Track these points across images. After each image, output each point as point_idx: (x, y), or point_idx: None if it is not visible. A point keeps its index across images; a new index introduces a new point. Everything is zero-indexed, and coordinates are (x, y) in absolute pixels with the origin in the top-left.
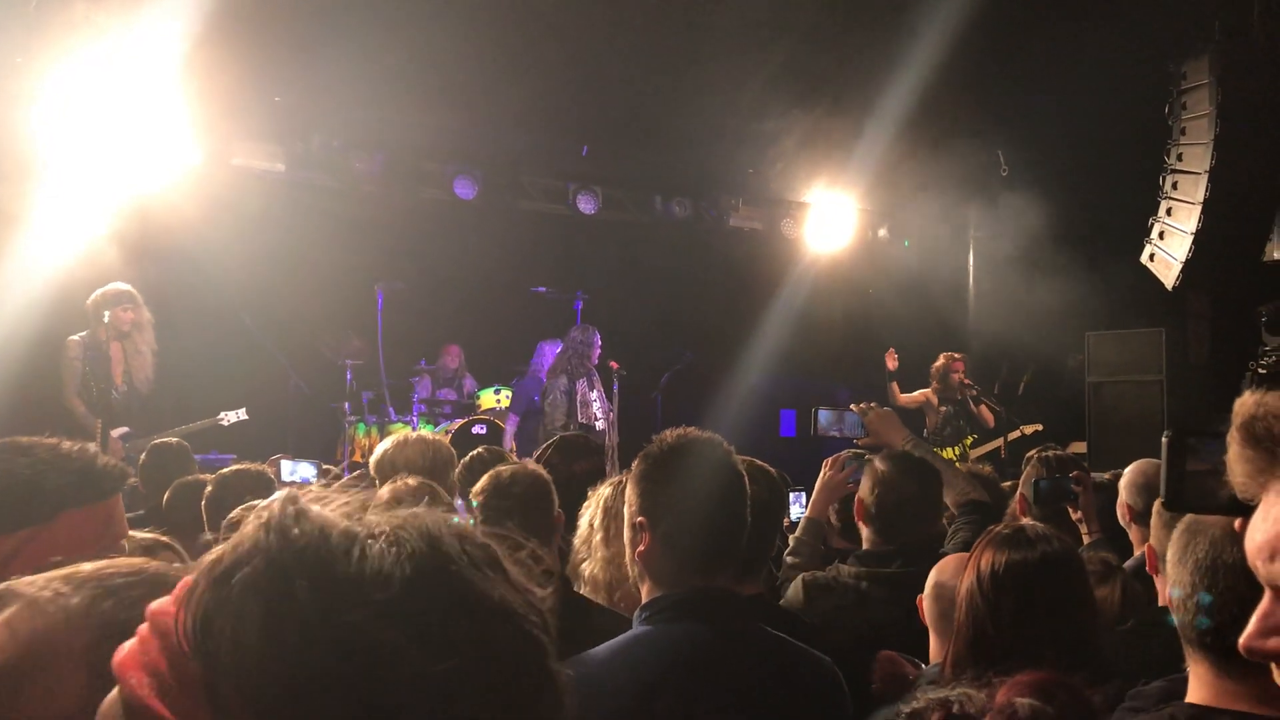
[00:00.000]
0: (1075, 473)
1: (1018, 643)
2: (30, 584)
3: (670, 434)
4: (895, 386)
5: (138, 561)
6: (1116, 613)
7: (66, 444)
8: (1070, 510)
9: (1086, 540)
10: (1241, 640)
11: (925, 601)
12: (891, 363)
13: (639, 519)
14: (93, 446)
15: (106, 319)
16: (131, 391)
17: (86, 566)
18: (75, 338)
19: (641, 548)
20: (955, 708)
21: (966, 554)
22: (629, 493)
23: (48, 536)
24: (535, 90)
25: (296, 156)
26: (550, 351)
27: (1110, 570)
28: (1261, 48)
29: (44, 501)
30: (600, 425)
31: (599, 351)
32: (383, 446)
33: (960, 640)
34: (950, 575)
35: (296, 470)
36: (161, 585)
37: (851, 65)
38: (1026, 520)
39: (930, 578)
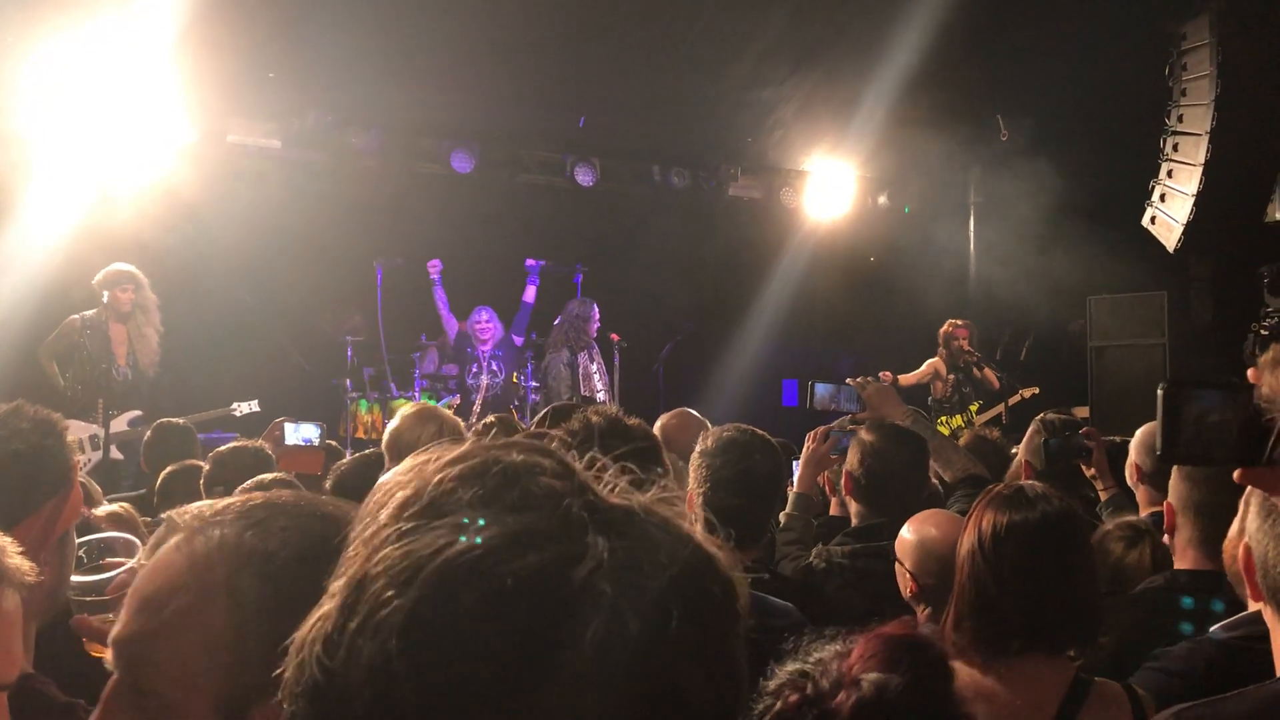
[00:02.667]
0: (1086, 429)
1: (1019, 601)
2: (183, 513)
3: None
4: (900, 379)
5: (283, 493)
6: (1149, 574)
7: (50, 413)
8: (1084, 468)
9: (1104, 496)
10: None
11: (909, 562)
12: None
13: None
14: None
15: (105, 299)
16: (137, 374)
17: (233, 500)
18: (78, 315)
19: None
20: (809, 687)
21: (933, 511)
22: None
23: (68, 498)
24: (531, 62)
25: (292, 133)
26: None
27: (1139, 534)
28: (1261, 7)
29: (64, 469)
30: (601, 397)
31: (598, 325)
32: (392, 425)
33: (962, 601)
34: (935, 539)
35: (299, 431)
36: (301, 515)
37: (849, 32)
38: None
39: (907, 540)
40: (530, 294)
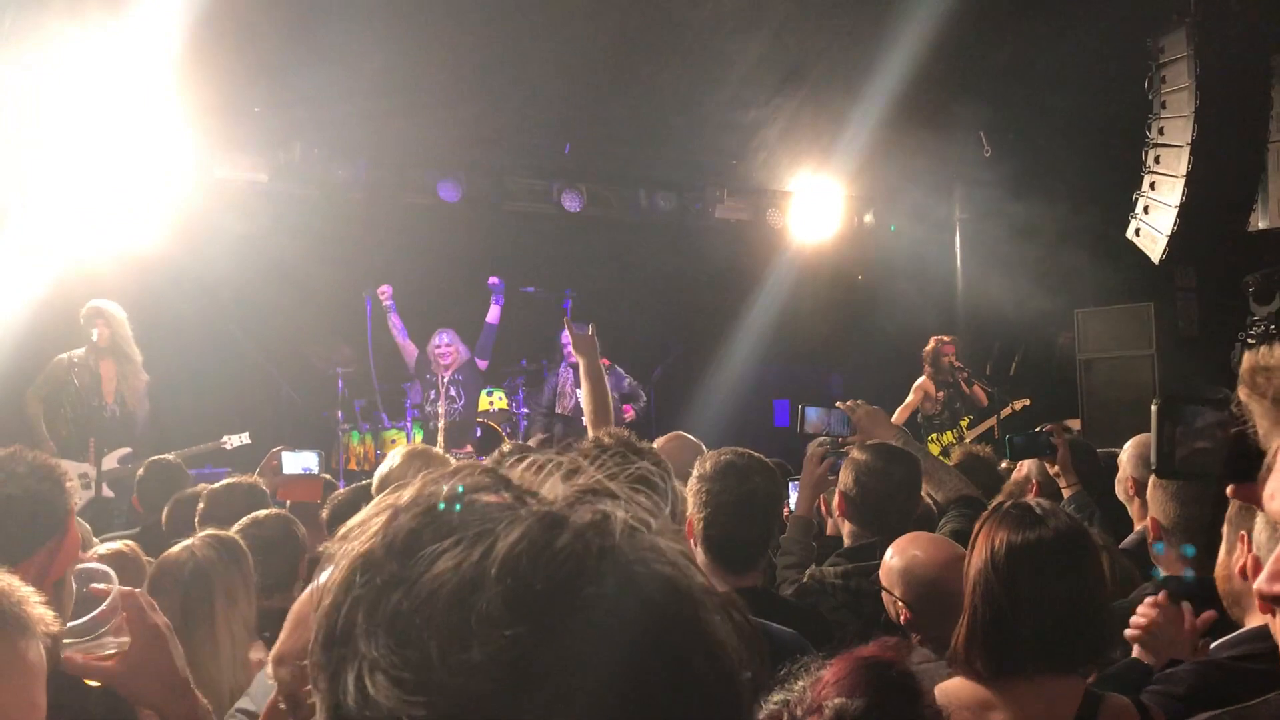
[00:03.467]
0: (1049, 425)
1: (1031, 620)
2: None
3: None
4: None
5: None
6: (1107, 589)
7: (48, 458)
8: (1048, 465)
9: (1066, 493)
10: (1257, 584)
11: (899, 590)
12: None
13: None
14: (53, 459)
15: (95, 336)
16: (125, 411)
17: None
18: (65, 355)
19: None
20: (784, 716)
21: (915, 535)
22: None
23: (64, 542)
24: (515, 90)
25: (279, 167)
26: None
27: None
28: (1237, 18)
29: (61, 513)
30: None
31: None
32: (386, 465)
33: (974, 620)
34: (922, 563)
35: (299, 459)
36: None
37: (830, 53)
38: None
39: (894, 567)
40: (494, 314)
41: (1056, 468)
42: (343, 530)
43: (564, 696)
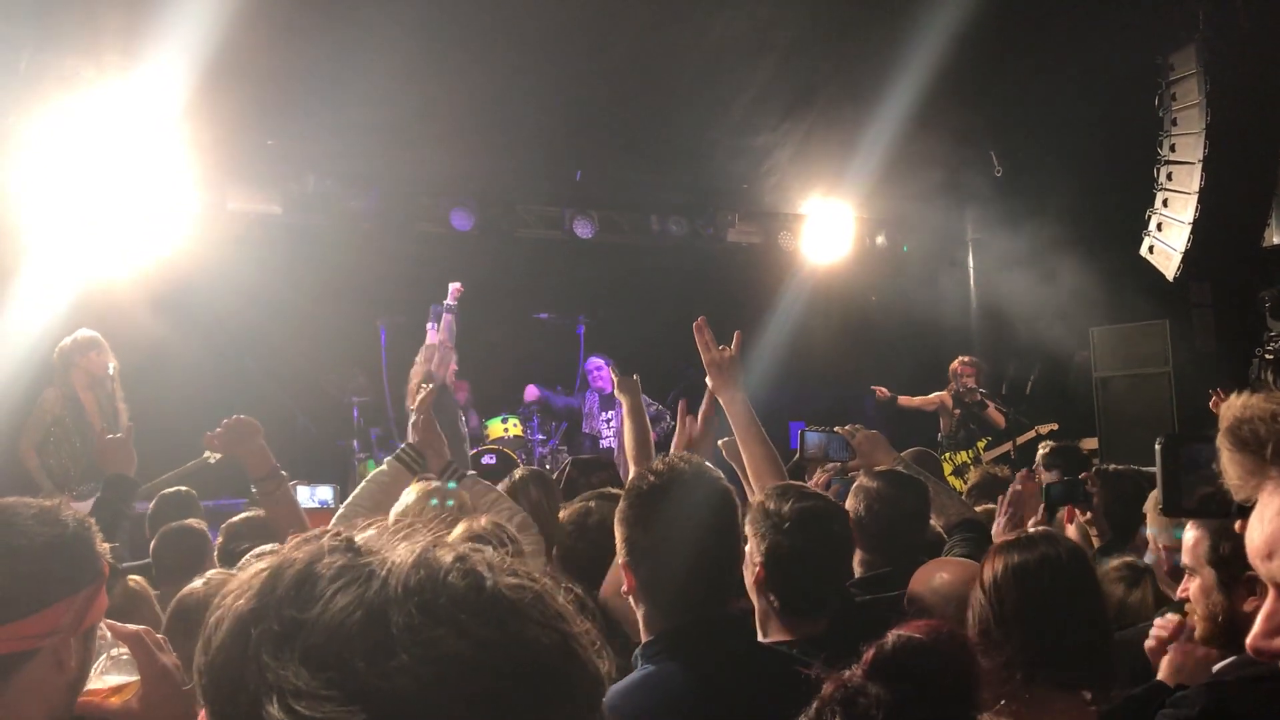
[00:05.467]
0: (1086, 474)
1: (1021, 639)
2: None
3: (658, 466)
4: (901, 399)
5: None
6: (1152, 614)
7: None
8: (1079, 513)
9: (1096, 544)
10: (1249, 640)
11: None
12: (882, 395)
13: (622, 561)
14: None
15: (78, 365)
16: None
17: None
18: (52, 390)
19: (625, 589)
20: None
21: (936, 561)
22: (616, 530)
23: (99, 592)
24: (526, 118)
25: (292, 198)
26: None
27: (1138, 573)
28: (1246, 33)
29: (95, 560)
30: (605, 442)
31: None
32: (403, 502)
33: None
34: (948, 583)
35: (315, 494)
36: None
37: (839, 76)
38: (1042, 528)
39: (921, 595)
40: (431, 337)
41: (1088, 516)
42: (222, 592)
43: (479, 682)
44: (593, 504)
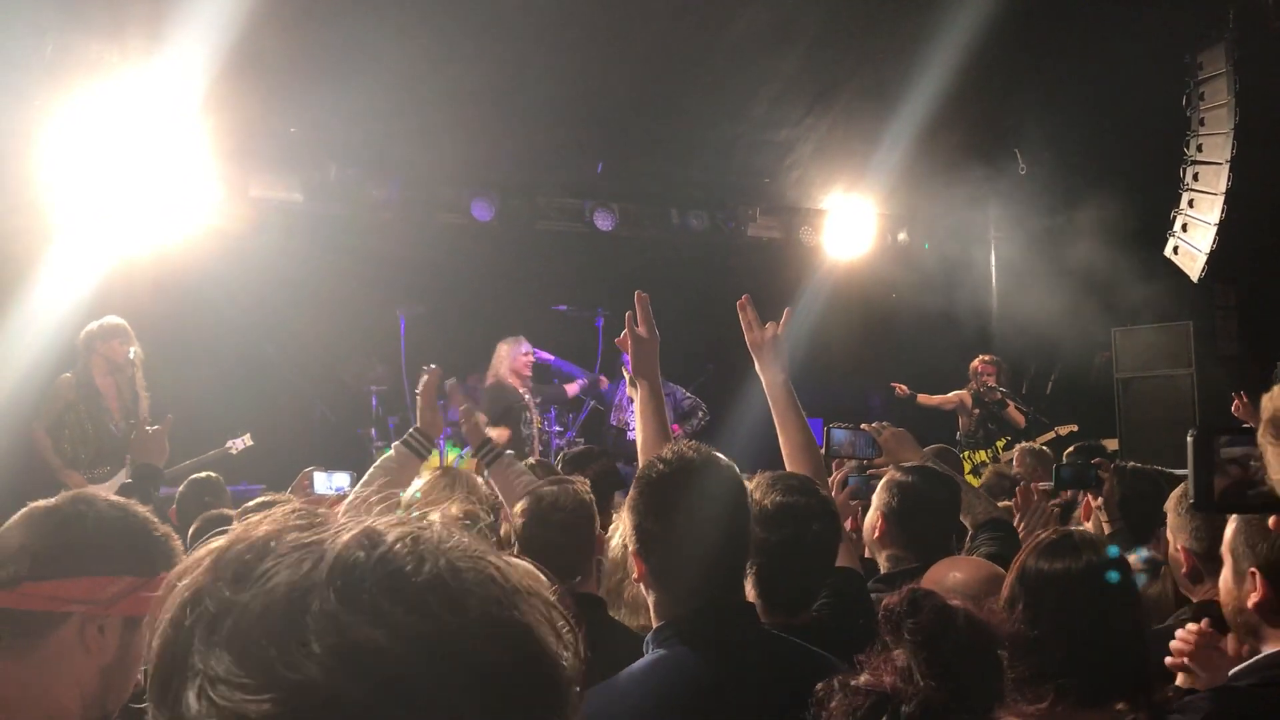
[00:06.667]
0: (1099, 459)
1: (1054, 647)
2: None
3: (667, 454)
4: (920, 397)
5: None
6: (1172, 608)
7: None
8: (1091, 498)
9: (1107, 529)
10: None
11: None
12: (901, 392)
13: (632, 549)
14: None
15: (99, 351)
16: (132, 428)
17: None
18: (68, 375)
19: (635, 575)
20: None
21: (950, 559)
22: (624, 516)
23: (145, 592)
24: (548, 109)
25: (314, 186)
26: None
27: (1156, 566)
28: (1276, 32)
29: (154, 555)
30: (632, 434)
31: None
32: (413, 488)
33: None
34: (961, 581)
35: (331, 480)
36: None
37: (863, 71)
38: (1074, 527)
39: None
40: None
41: (1099, 501)
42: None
43: (397, 673)
44: (545, 490)
